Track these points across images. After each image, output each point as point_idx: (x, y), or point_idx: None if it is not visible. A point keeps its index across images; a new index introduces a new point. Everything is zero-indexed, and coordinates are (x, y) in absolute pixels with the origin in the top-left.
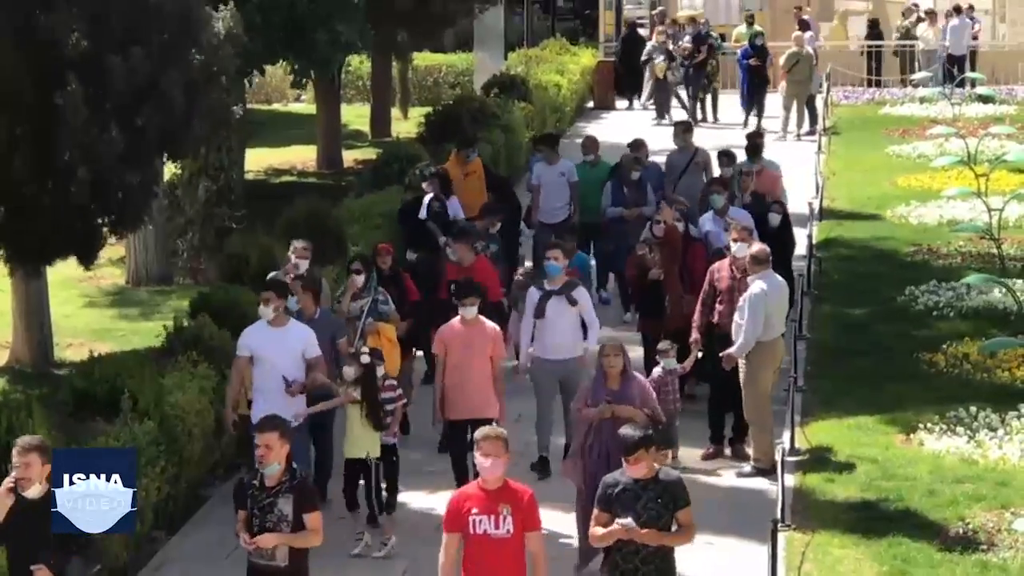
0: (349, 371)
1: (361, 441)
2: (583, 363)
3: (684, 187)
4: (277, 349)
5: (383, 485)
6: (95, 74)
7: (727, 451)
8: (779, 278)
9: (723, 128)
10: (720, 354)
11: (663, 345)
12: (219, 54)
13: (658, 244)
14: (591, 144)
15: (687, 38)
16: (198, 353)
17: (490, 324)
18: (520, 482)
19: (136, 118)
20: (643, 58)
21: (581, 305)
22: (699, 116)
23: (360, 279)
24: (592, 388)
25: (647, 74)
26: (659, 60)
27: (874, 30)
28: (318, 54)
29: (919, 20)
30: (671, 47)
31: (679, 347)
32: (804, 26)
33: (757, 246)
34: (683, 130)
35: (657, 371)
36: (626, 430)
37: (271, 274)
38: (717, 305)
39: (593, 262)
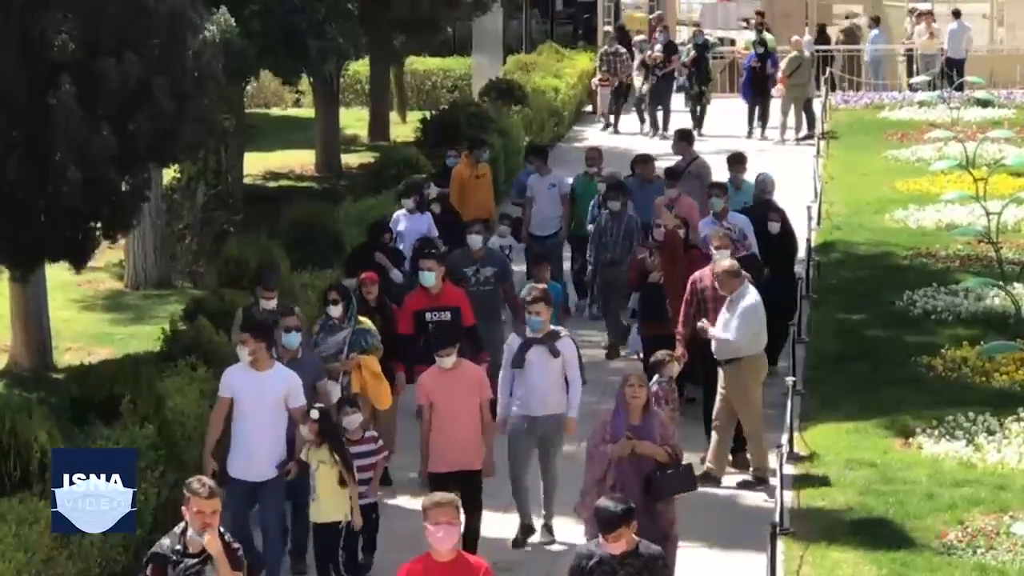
0: (304, 432)
1: (330, 503)
2: (568, 428)
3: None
4: (257, 395)
5: (360, 545)
6: (88, 77)
7: (728, 458)
8: (755, 292)
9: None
10: (699, 325)
11: (660, 355)
12: (209, 61)
13: (658, 248)
14: (595, 156)
15: (657, 46)
16: (197, 357)
17: (473, 368)
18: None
19: (128, 123)
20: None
21: (565, 358)
22: (660, 127)
23: (337, 309)
24: (612, 422)
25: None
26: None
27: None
28: (309, 59)
29: (918, 22)
30: (643, 56)
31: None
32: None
33: (727, 261)
34: (680, 137)
35: (654, 385)
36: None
37: (238, 316)
38: (703, 317)
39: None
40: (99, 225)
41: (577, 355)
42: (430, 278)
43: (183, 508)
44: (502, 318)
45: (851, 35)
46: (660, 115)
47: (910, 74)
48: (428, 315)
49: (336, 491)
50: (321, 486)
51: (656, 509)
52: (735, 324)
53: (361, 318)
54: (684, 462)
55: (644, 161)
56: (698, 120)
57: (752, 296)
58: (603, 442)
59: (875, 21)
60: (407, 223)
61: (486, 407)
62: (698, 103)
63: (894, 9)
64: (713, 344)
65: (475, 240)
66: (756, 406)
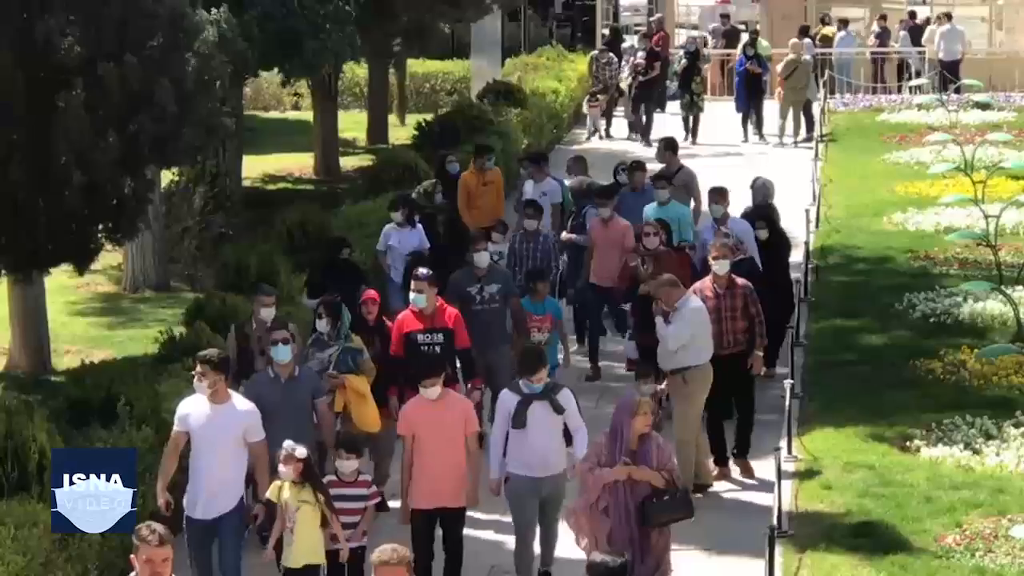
0: (285, 470)
1: (309, 546)
2: (574, 473)
3: None
4: (215, 429)
5: None
6: (90, 80)
7: (735, 469)
8: (699, 302)
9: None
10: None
11: (643, 370)
12: (212, 62)
13: (651, 257)
14: (571, 164)
15: (640, 53)
16: (195, 360)
17: (459, 399)
18: None
19: (130, 125)
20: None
21: (568, 412)
22: (642, 136)
23: (324, 324)
24: (607, 445)
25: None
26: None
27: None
28: (306, 60)
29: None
30: (628, 62)
31: None
32: (803, 33)
33: (666, 276)
34: (665, 147)
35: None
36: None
37: (203, 355)
38: None
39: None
40: (101, 228)
41: (576, 403)
42: (421, 300)
43: (132, 557)
44: (510, 339)
45: (827, 41)
46: (644, 121)
47: (900, 77)
48: (420, 337)
49: (316, 534)
50: (300, 528)
51: (650, 537)
52: (678, 334)
53: (353, 336)
54: (680, 488)
55: (636, 168)
56: (691, 130)
57: (693, 306)
58: (597, 465)
59: (843, 24)
60: (398, 237)
61: (472, 441)
62: (690, 112)
63: (894, 12)
64: (659, 353)
65: (481, 258)
66: (695, 419)
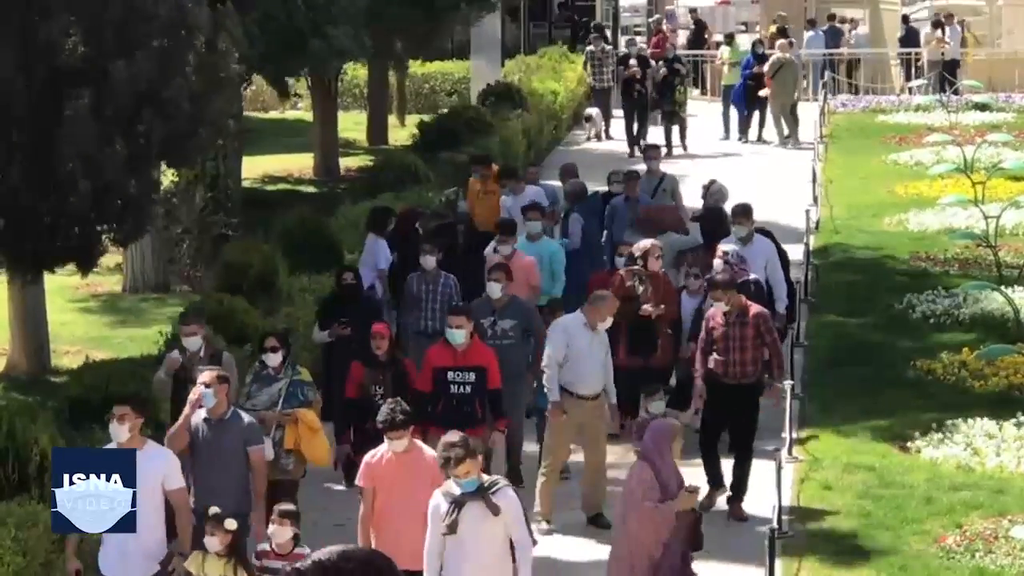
0: (212, 541)
1: None
2: None
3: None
4: None
5: None
6: (95, 81)
7: (725, 504)
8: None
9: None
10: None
11: (650, 388)
12: (226, 60)
13: (649, 278)
14: (564, 172)
15: (632, 60)
16: None
17: (428, 457)
18: None
19: (138, 125)
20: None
21: (507, 517)
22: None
23: (276, 358)
24: (653, 477)
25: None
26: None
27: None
28: (313, 60)
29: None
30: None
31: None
32: (783, 33)
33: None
34: (649, 154)
35: (644, 415)
36: None
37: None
38: (713, 353)
39: None
40: (105, 229)
41: (521, 510)
42: (458, 336)
43: None
44: (525, 378)
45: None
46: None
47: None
48: (451, 374)
49: None
50: None
51: (689, 562)
52: (601, 357)
53: (302, 369)
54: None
55: (631, 178)
56: (681, 139)
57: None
58: (661, 499)
59: (810, 24)
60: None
61: None
62: (671, 123)
63: (888, 12)
64: (584, 382)
65: (493, 288)
66: (605, 445)
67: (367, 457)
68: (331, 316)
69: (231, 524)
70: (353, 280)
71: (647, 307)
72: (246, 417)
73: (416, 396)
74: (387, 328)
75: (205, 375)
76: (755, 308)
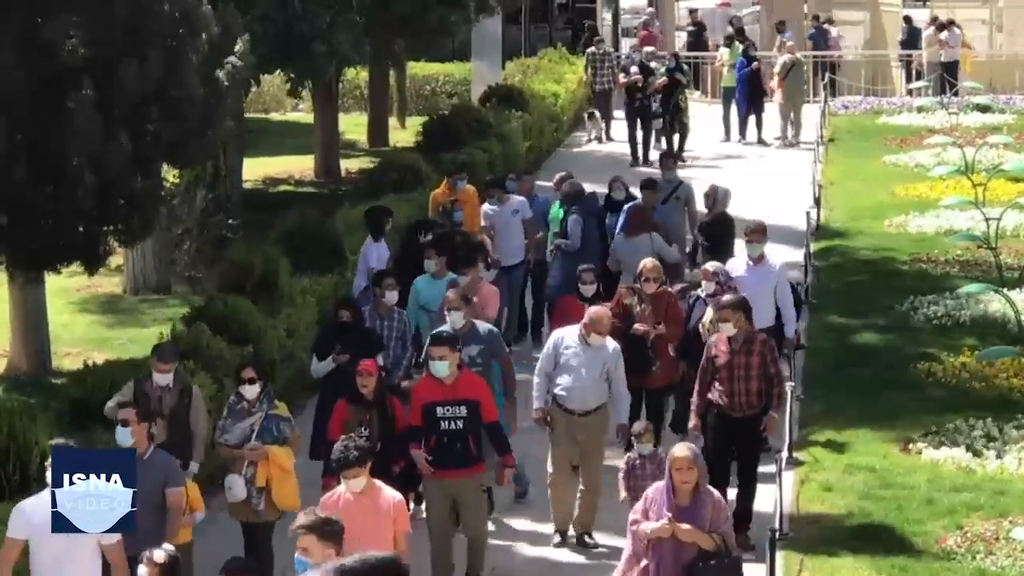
0: (142, 572)
1: None
2: None
3: (660, 216)
4: (64, 535)
5: None
6: (100, 80)
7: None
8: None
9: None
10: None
11: (638, 427)
12: (242, 61)
13: (649, 298)
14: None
15: (633, 68)
16: (196, 362)
17: (389, 496)
18: None
19: (146, 124)
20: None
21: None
22: (640, 158)
23: (253, 391)
24: (656, 498)
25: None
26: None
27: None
28: (313, 64)
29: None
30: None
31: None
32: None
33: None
34: (665, 163)
35: (632, 454)
36: None
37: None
38: (715, 383)
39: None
40: (112, 229)
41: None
42: (442, 368)
43: None
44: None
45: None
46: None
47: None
48: (439, 410)
49: None
50: None
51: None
52: (594, 374)
53: (279, 403)
54: (733, 553)
55: (648, 187)
56: (679, 147)
57: (610, 348)
58: (644, 518)
59: (781, 25)
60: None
61: (403, 541)
62: (671, 133)
63: (889, 14)
64: (572, 396)
65: (455, 318)
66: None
67: (323, 498)
68: (329, 347)
69: (158, 556)
70: (350, 318)
71: (638, 326)
72: (167, 457)
73: (401, 436)
74: (375, 365)
75: (122, 412)
76: (762, 336)
